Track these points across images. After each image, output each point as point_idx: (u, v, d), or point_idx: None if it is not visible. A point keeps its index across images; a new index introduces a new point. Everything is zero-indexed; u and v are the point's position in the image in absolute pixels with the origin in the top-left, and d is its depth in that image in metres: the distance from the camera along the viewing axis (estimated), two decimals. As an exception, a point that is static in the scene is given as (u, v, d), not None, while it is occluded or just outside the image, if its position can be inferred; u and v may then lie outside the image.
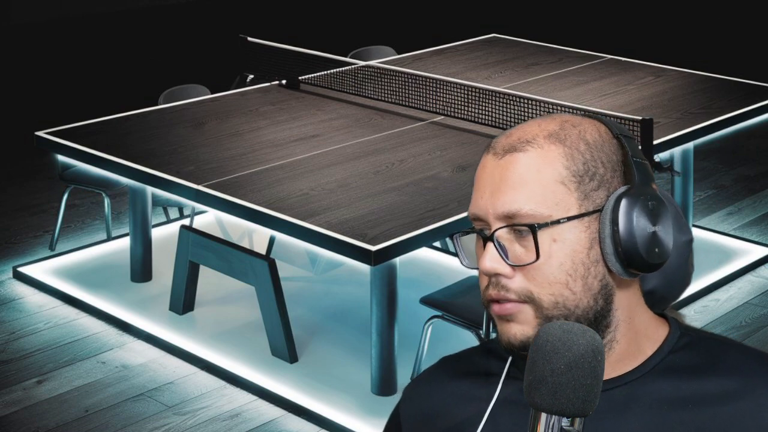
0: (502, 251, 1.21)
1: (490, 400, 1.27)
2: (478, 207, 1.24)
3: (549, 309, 1.20)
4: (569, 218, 1.20)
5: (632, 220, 1.20)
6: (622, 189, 1.22)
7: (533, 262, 1.20)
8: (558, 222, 1.20)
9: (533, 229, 1.19)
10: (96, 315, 4.69)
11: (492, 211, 1.22)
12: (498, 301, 1.22)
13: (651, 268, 1.21)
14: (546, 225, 1.20)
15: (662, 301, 1.31)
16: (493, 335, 3.60)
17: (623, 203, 1.20)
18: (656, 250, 1.21)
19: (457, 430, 1.29)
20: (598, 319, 1.22)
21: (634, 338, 1.25)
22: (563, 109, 4.52)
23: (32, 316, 4.72)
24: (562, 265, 1.20)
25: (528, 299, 1.20)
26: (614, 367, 1.24)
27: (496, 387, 1.28)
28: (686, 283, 1.33)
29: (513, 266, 1.21)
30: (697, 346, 1.27)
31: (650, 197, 1.21)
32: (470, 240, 1.27)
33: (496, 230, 1.21)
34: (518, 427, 1.23)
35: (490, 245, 1.21)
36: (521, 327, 1.21)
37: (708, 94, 5.22)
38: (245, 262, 4.35)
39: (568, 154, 1.22)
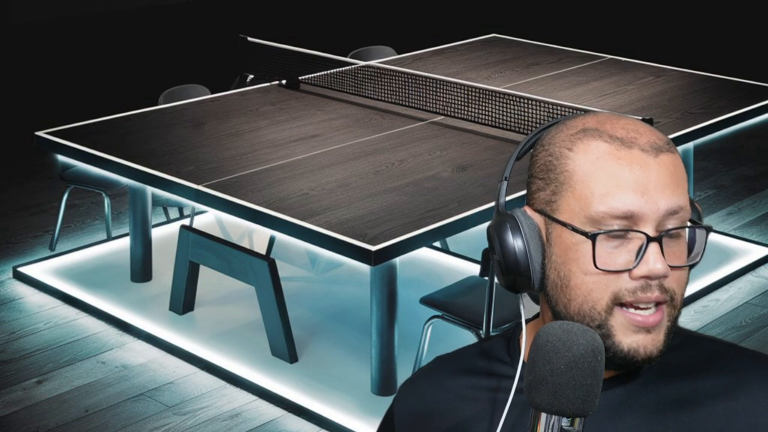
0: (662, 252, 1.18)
1: (491, 401, 1.27)
2: (634, 204, 1.17)
3: (677, 311, 1.20)
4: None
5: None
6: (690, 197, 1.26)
7: (697, 263, 1.21)
8: (710, 230, 1.23)
9: (709, 229, 1.22)
10: (96, 315, 4.69)
11: (658, 208, 1.17)
12: (639, 306, 1.17)
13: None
14: (710, 230, 1.23)
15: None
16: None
17: (699, 211, 1.25)
18: None
19: (456, 429, 1.29)
20: None
21: None
22: (563, 108, 4.52)
23: (32, 316, 4.72)
24: (688, 268, 1.22)
25: (671, 299, 1.19)
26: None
27: (497, 386, 1.27)
28: None
29: (673, 267, 1.18)
30: (690, 345, 1.28)
31: None
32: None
33: (672, 230, 1.18)
34: (520, 426, 1.22)
35: (655, 246, 1.16)
36: (659, 336, 1.19)
37: (708, 94, 5.22)
38: (245, 262, 4.35)
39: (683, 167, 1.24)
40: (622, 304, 1.17)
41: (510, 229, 1.23)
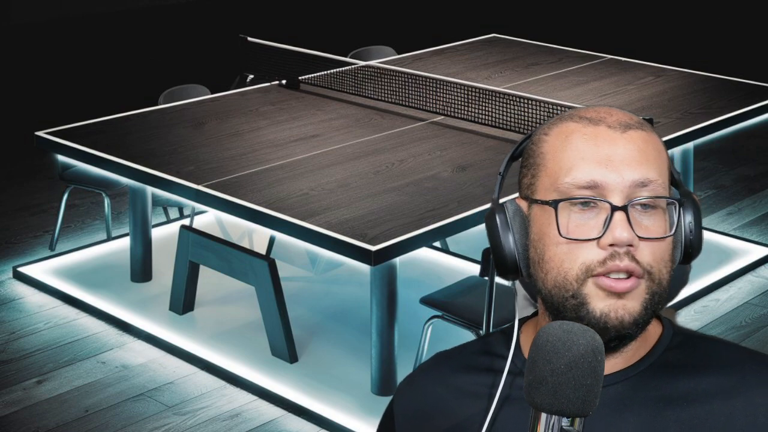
0: (631, 222, 1.19)
1: (491, 397, 1.27)
2: (597, 174, 1.20)
3: (657, 286, 1.21)
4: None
5: (700, 216, 1.26)
6: (687, 188, 1.27)
7: (669, 236, 1.21)
8: (681, 204, 1.24)
9: (680, 203, 1.23)
10: (96, 315, 4.69)
11: (623, 179, 1.19)
12: (610, 275, 1.18)
13: (691, 260, 1.27)
14: (681, 203, 1.23)
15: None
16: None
17: (696, 200, 1.26)
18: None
19: (458, 427, 1.29)
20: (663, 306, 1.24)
21: None
22: (563, 109, 4.52)
23: (32, 316, 4.72)
24: (669, 244, 1.22)
25: (648, 273, 1.20)
26: (612, 364, 1.24)
27: (497, 383, 1.27)
28: (683, 282, 1.34)
29: (642, 238, 1.19)
30: (691, 345, 1.28)
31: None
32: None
33: (639, 200, 1.19)
34: (521, 424, 1.22)
35: (620, 215, 1.18)
36: (633, 303, 1.19)
37: (708, 94, 5.22)
38: (245, 262, 4.35)
39: (664, 148, 1.25)
40: (596, 276, 1.19)
41: (495, 216, 1.27)
